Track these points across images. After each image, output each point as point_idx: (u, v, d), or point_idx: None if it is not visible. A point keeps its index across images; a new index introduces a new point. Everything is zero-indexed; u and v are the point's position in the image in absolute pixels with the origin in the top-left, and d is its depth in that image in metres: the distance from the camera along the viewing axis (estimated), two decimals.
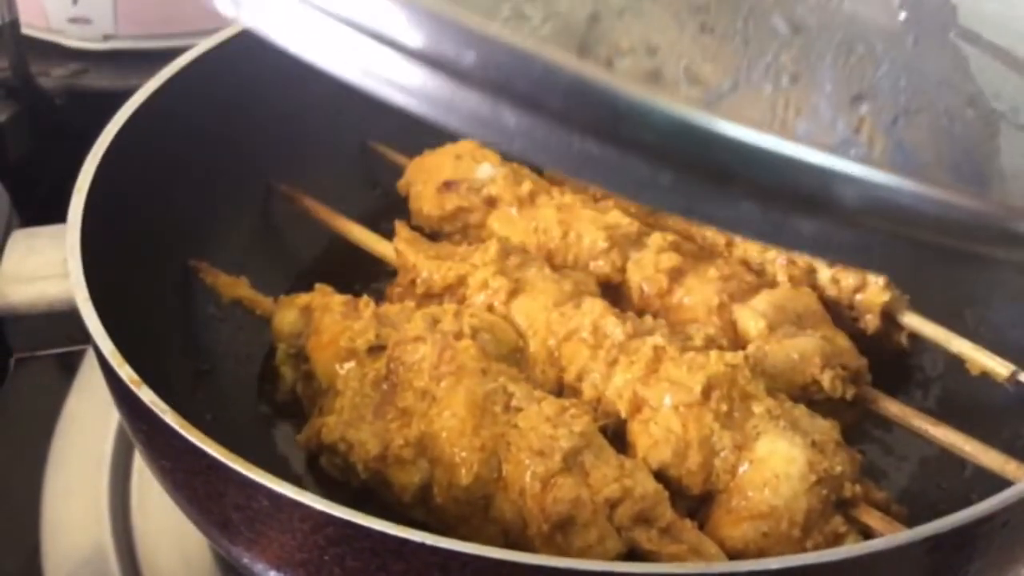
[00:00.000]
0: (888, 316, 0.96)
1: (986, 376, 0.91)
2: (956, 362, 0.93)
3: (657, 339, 0.85)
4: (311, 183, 1.12)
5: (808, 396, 0.87)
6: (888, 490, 0.89)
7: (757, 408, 0.81)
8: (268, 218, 1.10)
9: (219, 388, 0.94)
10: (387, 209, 1.13)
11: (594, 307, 0.88)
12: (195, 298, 0.98)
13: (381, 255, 1.03)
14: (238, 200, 1.07)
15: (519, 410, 0.80)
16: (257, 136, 1.09)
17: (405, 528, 0.58)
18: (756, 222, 0.46)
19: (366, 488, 0.83)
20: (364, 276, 1.09)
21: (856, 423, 0.92)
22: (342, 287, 1.03)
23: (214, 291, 0.97)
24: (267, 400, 0.95)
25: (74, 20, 1.45)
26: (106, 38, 1.45)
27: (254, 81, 1.07)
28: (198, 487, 0.68)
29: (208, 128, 1.03)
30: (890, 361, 0.99)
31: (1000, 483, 0.82)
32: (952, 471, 0.89)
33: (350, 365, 0.85)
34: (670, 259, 0.95)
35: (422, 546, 0.57)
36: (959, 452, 0.85)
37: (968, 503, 0.87)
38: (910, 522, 0.81)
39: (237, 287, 0.96)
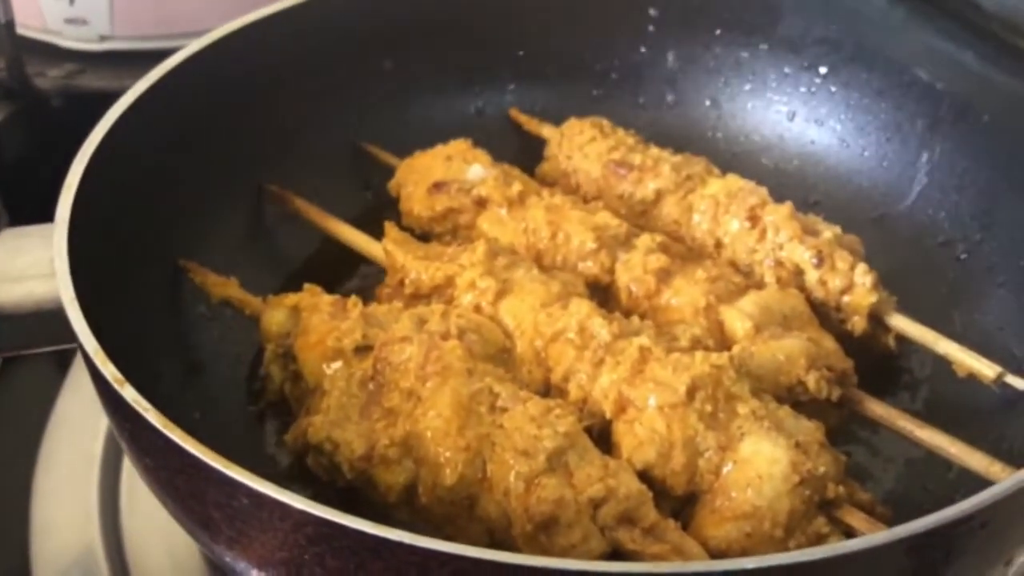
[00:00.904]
0: (875, 318, 0.96)
1: (973, 378, 0.91)
2: (944, 364, 0.93)
3: (643, 340, 0.85)
4: (303, 183, 1.12)
5: (794, 397, 0.87)
6: (873, 491, 0.89)
7: (742, 409, 0.81)
8: (259, 218, 1.11)
9: (208, 387, 0.94)
10: (379, 210, 1.13)
11: (581, 308, 0.89)
12: (185, 298, 0.99)
13: (371, 256, 1.03)
14: (229, 200, 1.08)
15: (504, 410, 0.81)
16: (248, 136, 1.09)
17: (384, 527, 0.59)
18: None
19: (352, 488, 0.83)
20: (355, 276, 1.09)
21: (842, 424, 0.92)
22: (332, 287, 1.03)
23: (204, 291, 0.98)
24: (256, 399, 0.95)
25: (70, 21, 1.45)
26: (102, 39, 1.45)
27: (245, 81, 1.08)
28: (180, 485, 0.69)
29: (198, 128, 1.03)
30: (878, 363, 0.99)
31: (985, 485, 0.82)
32: (938, 473, 0.89)
33: (337, 365, 0.85)
34: (658, 260, 0.95)
35: (400, 545, 0.58)
36: (944, 454, 0.85)
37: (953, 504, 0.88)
38: (894, 524, 0.81)
39: (227, 287, 0.97)
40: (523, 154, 1.20)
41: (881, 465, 0.92)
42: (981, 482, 0.83)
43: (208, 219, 1.05)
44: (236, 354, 0.98)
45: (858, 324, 0.95)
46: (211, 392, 0.94)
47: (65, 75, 1.46)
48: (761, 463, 0.78)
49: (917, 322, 0.97)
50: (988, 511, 0.63)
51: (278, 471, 0.90)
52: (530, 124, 1.22)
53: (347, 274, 1.09)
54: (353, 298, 0.91)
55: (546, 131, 1.19)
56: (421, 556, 0.58)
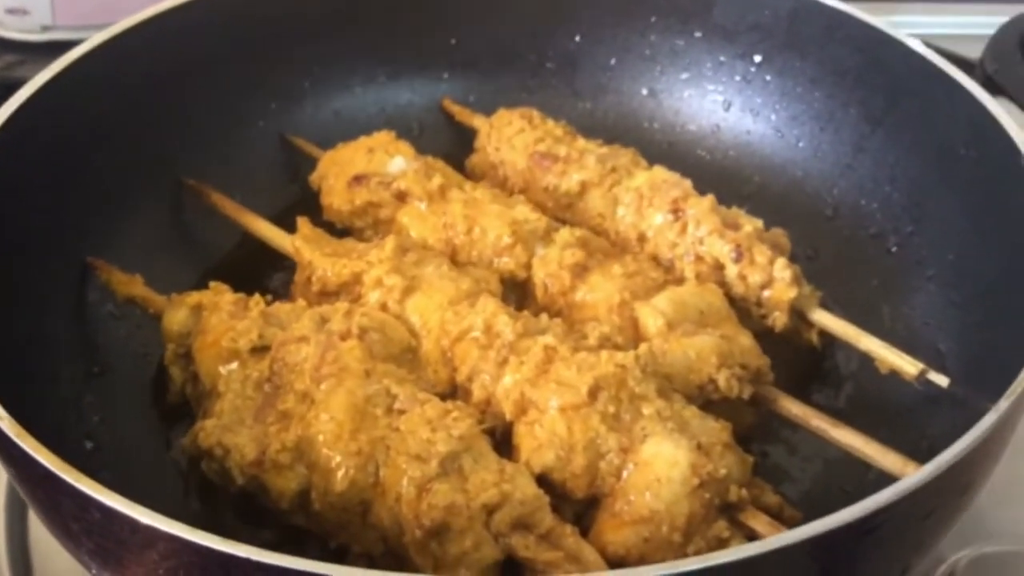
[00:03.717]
0: (797, 313, 0.94)
1: (896, 375, 0.89)
2: (870, 360, 0.91)
3: (548, 339, 0.83)
4: (228, 176, 1.10)
5: (705, 396, 0.85)
6: (789, 492, 0.87)
7: (646, 409, 0.79)
8: (178, 213, 1.08)
9: (111, 389, 0.91)
10: (306, 203, 1.10)
11: (487, 306, 0.86)
12: (92, 296, 0.96)
13: (288, 252, 1.01)
14: (145, 195, 1.05)
15: (402, 413, 0.78)
16: (165, 128, 1.06)
17: (232, 543, 0.56)
18: None
19: (247, 494, 0.80)
20: (279, 271, 1.06)
21: (762, 423, 0.90)
22: (254, 283, 1.01)
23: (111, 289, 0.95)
24: (161, 402, 0.93)
25: (11, 11, 1.42)
26: (44, 29, 1.43)
27: (160, 71, 1.05)
28: (40, 496, 0.66)
29: (109, 121, 1.00)
30: (804, 359, 0.97)
31: None
32: (857, 473, 0.87)
33: (232, 366, 0.83)
34: (573, 255, 0.93)
35: (248, 562, 0.55)
36: (859, 454, 0.83)
37: None
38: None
39: (132, 285, 0.94)
40: (456, 146, 1.18)
41: (799, 465, 0.90)
42: None
43: (123, 214, 1.03)
44: (143, 355, 0.95)
45: (779, 320, 0.93)
46: (114, 395, 0.91)
47: (4, 66, 1.44)
48: (661, 465, 0.76)
49: (846, 316, 0.95)
50: (871, 519, 0.61)
51: (180, 477, 0.88)
52: (462, 115, 1.19)
53: (270, 269, 1.06)
54: (256, 296, 0.89)
55: (477, 122, 1.16)
56: (269, 573, 0.55)
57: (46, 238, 0.93)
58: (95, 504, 0.59)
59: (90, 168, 0.99)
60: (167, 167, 1.07)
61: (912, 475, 0.63)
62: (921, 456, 0.82)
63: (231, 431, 0.79)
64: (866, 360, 0.92)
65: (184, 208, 1.08)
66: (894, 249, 1.03)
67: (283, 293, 0.99)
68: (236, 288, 0.93)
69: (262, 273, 1.06)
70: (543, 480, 0.78)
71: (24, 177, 0.91)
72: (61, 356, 0.90)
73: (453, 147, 1.18)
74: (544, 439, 0.78)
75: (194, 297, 0.90)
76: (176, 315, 0.89)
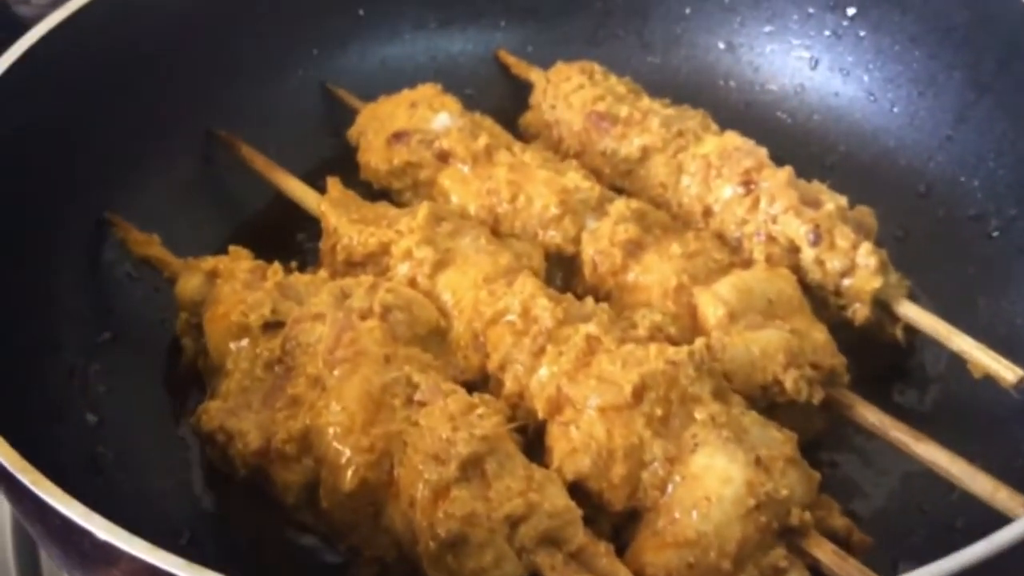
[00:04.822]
0: (881, 305, 0.83)
1: (991, 380, 0.78)
2: (961, 361, 0.80)
3: (591, 327, 0.74)
4: (265, 128, 1.02)
5: (769, 398, 0.75)
6: (861, 509, 0.78)
7: (699, 414, 0.69)
8: (207, 166, 1.01)
9: (122, 357, 0.85)
10: (344, 160, 1.02)
11: (526, 286, 0.77)
12: (107, 256, 0.89)
13: (317, 214, 0.93)
14: (171, 146, 0.98)
15: (422, 405, 0.70)
16: (196, 73, 0.99)
17: (199, 568, 0.49)
18: None
19: (253, 483, 0.73)
20: (312, 237, 0.98)
21: (831, 430, 0.79)
22: (284, 248, 0.94)
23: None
24: (174, 372, 0.86)
25: None
26: None
27: (194, 10, 0.98)
28: (6, 492, 0.60)
29: (133, 64, 0.93)
30: (887, 354, 0.86)
31: (990, 512, 0.70)
32: (938, 491, 0.77)
33: (242, 343, 0.75)
34: (627, 231, 0.83)
35: None
36: (943, 473, 0.72)
37: (951, 532, 0.75)
38: (874, 553, 0.70)
39: (148, 245, 0.87)
40: (510, 101, 1.09)
41: (873, 479, 0.80)
42: (986, 508, 0.71)
43: (146, 167, 0.96)
44: (160, 321, 0.88)
45: (860, 312, 0.82)
46: (124, 364, 0.84)
47: (49, 3, 1.38)
48: (712, 481, 0.66)
49: (937, 309, 0.84)
50: None
51: (190, 454, 0.81)
52: (518, 67, 1.10)
53: (303, 232, 0.98)
54: (275, 265, 0.81)
55: (533, 75, 1.06)
56: None
57: (60, 189, 0.87)
58: (52, 511, 0.52)
59: (110, 115, 0.92)
60: (196, 116, 1.00)
61: (1014, 524, 0.52)
62: (1015, 477, 0.72)
63: (236, 415, 0.72)
64: (957, 361, 0.81)
65: (213, 162, 1.01)
66: (995, 233, 0.91)
67: (315, 259, 0.91)
68: (264, 252, 0.86)
69: (294, 236, 0.98)
70: (577, 489, 0.69)
71: (35, 123, 0.85)
72: (69, 319, 0.84)
73: (507, 102, 1.09)
74: (580, 442, 0.69)
75: (210, 262, 0.83)
76: (190, 281, 0.82)
